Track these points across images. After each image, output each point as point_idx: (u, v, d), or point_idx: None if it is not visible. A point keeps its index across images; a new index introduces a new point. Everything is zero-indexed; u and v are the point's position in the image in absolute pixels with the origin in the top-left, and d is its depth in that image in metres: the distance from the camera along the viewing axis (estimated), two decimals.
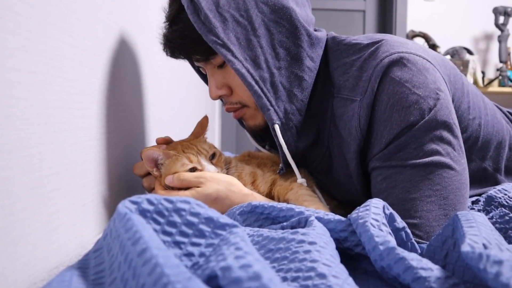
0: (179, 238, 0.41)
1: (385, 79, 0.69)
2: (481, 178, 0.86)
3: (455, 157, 0.68)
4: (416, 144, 0.67)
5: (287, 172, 0.81)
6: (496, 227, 0.56)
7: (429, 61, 0.72)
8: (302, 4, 0.79)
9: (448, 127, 0.68)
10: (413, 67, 0.69)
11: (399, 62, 0.70)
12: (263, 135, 0.91)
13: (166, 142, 0.82)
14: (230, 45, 0.71)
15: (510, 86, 2.96)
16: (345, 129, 0.75)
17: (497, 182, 0.87)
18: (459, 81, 0.81)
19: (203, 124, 0.85)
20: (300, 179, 0.79)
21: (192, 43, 0.75)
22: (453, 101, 0.76)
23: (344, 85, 0.76)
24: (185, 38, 0.75)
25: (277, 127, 0.75)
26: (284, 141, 0.76)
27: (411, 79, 0.68)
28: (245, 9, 0.72)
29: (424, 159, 0.67)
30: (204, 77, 0.91)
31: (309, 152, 0.83)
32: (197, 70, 0.89)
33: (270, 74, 0.74)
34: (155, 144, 0.82)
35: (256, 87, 0.73)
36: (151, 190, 0.79)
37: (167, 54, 0.80)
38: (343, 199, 0.87)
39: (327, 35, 0.83)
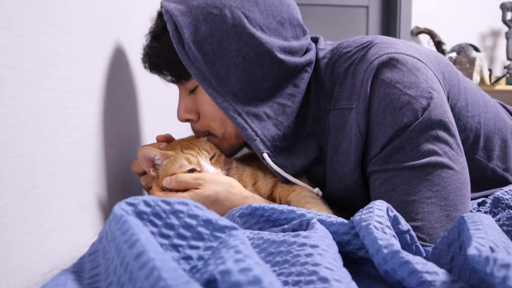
0: (177, 241, 0.40)
1: (376, 82, 0.69)
2: (491, 179, 0.84)
3: (453, 156, 0.67)
4: (412, 146, 0.66)
5: None
6: (503, 230, 0.55)
7: (420, 60, 0.71)
8: (294, 35, 0.78)
9: (443, 126, 0.67)
10: (403, 67, 0.68)
11: (389, 63, 0.69)
12: None
13: (166, 140, 0.81)
14: (212, 78, 0.72)
15: None
16: (345, 139, 0.74)
17: (509, 183, 0.85)
18: (455, 77, 0.80)
19: None
20: (315, 189, 0.77)
21: (167, 64, 0.76)
22: (448, 99, 0.75)
23: (342, 95, 0.75)
24: (161, 58, 0.76)
25: (266, 156, 0.75)
26: (278, 165, 0.76)
27: (402, 79, 0.67)
28: (229, 42, 0.72)
29: (421, 160, 0.66)
30: None
31: (313, 168, 0.83)
32: None
33: (253, 106, 0.74)
34: (155, 141, 0.81)
35: (239, 119, 0.74)
36: (149, 189, 0.79)
37: (144, 67, 0.80)
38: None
39: (318, 44, 0.82)
